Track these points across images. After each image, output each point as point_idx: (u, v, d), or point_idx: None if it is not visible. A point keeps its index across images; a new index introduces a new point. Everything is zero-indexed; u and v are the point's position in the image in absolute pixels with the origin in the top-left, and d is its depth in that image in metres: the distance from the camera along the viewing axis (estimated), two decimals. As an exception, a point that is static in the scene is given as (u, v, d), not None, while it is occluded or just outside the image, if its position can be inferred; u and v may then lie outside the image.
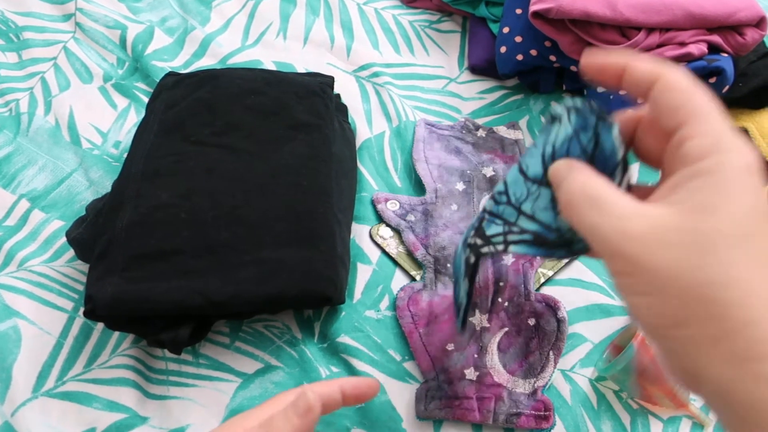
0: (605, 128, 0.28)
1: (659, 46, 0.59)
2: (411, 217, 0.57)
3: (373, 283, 0.55)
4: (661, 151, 0.28)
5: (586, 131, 0.29)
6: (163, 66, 0.70)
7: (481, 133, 0.65)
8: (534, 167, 0.31)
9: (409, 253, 0.56)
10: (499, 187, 0.33)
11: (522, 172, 0.32)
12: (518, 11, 0.67)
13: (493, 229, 0.32)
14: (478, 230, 0.33)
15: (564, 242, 0.30)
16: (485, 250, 0.32)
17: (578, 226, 0.26)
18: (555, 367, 0.50)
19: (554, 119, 0.30)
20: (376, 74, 0.70)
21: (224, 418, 0.49)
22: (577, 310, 0.54)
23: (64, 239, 0.57)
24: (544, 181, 0.30)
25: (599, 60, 0.28)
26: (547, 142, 0.30)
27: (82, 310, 0.53)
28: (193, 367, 0.51)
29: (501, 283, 0.53)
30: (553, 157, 0.30)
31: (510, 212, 0.32)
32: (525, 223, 0.31)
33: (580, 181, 0.27)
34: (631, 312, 0.26)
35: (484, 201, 0.36)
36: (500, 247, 0.32)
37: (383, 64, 0.72)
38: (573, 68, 0.64)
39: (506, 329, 0.51)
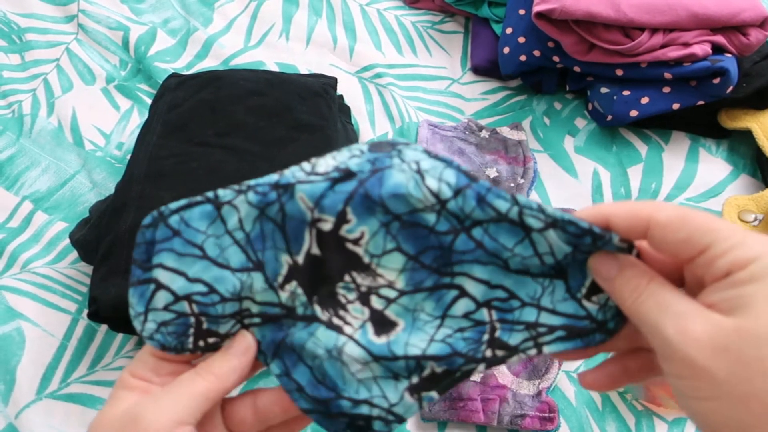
0: (604, 243, 0.28)
1: (663, 46, 0.59)
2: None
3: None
4: (673, 272, 0.28)
5: (583, 246, 0.28)
6: (165, 67, 0.70)
7: (484, 133, 0.65)
8: (537, 266, 0.30)
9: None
10: (498, 293, 0.30)
11: (518, 272, 0.30)
12: (521, 12, 0.67)
13: (516, 336, 0.30)
14: (493, 342, 0.30)
15: (598, 325, 0.29)
16: (513, 359, 0.30)
17: (642, 319, 0.26)
18: (559, 369, 0.50)
19: (530, 229, 0.29)
20: (378, 75, 0.70)
21: None
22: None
23: (67, 241, 0.57)
24: (552, 273, 0.30)
25: (581, 215, 0.28)
26: (537, 254, 0.29)
27: (85, 311, 0.53)
28: (197, 369, 0.51)
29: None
30: (560, 265, 0.29)
31: (529, 312, 0.30)
32: (549, 319, 0.30)
33: (643, 276, 0.27)
34: (693, 416, 0.25)
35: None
36: (533, 352, 0.30)
37: (386, 65, 0.72)
38: (576, 69, 0.64)
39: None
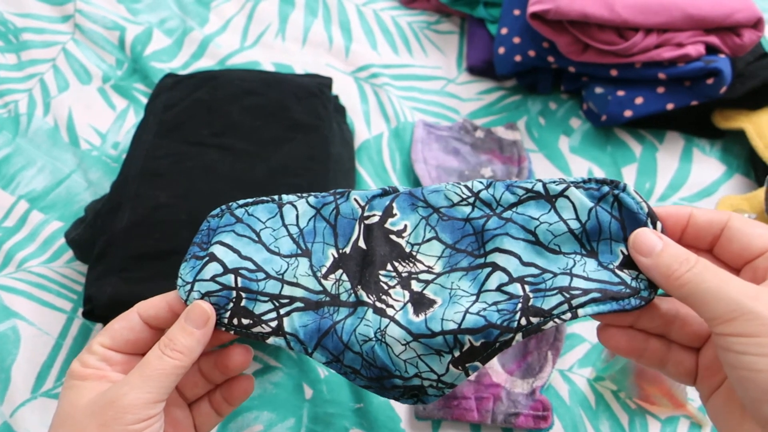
0: (620, 190, 0.32)
1: (657, 47, 0.60)
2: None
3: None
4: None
5: (605, 200, 0.32)
6: (161, 67, 0.70)
7: (479, 133, 0.65)
8: (567, 244, 0.32)
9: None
10: (530, 270, 0.32)
11: (549, 250, 0.33)
12: (516, 12, 0.67)
13: (550, 301, 0.31)
14: (527, 310, 0.31)
15: (633, 291, 0.30)
16: (549, 325, 0.31)
17: (697, 287, 0.28)
18: (553, 367, 0.50)
19: (554, 197, 0.33)
20: (374, 75, 0.70)
21: (222, 420, 0.49)
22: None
23: (63, 240, 0.57)
24: (583, 253, 0.32)
25: (662, 211, 0.32)
26: (562, 219, 0.32)
27: (80, 310, 0.53)
28: (192, 368, 0.51)
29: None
30: (584, 229, 0.32)
31: (561, 279, 0.31)
32: (583, 284, 0.31)
33: (690, 253, 0.29)
34: (749, 376, 0.26)
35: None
36: (567, 316, 0.30)
37: (382, 65, 0.72)
38: (571, 69, 0.64)
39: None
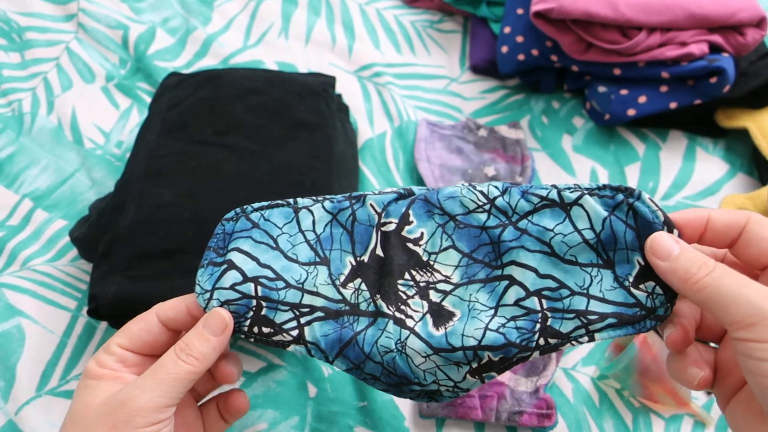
0: (635, 199, 0.31)
1: (660, 46, 0.60)
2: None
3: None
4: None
5: (620, 209, 0.31)
6: (165, 66, 0.71)
7: (482, 132, 0.65)
8: (582, 254, 0.32)
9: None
10: (548, 282, 0.32)
11: (565, 261, 0.32)
12: (519, 11, 0.67)
13: (568, 325, 0.31)
14: (545, 331, 0.31)
15: (648, 312, 0.30)
16: (566, 346, 0.31)
17: (717, 291, 0.27)
18: (557, 366, 0.50)
19: (569, 204, 0.32)
20: (377, 74, 0.70)
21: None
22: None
23: (67, 239, 0.57)
24: (600, 263, 0.32)
25: (679, 217, 0.31)
26: (576, 229, 0.32)
27: (85, 309, 0.53)
28: (196, 366, 0.51)
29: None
30: (599, 239, 0.32)
31: (578, 300, 0.31)
32: (600, 307, 0.31)
33: (708, 257, 0.29)
34: (767, 381, 0.26)
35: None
36: (585, 339, 0.31)
37: (385, 63, 0.72)
38: (574, 68, 0.64)
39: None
